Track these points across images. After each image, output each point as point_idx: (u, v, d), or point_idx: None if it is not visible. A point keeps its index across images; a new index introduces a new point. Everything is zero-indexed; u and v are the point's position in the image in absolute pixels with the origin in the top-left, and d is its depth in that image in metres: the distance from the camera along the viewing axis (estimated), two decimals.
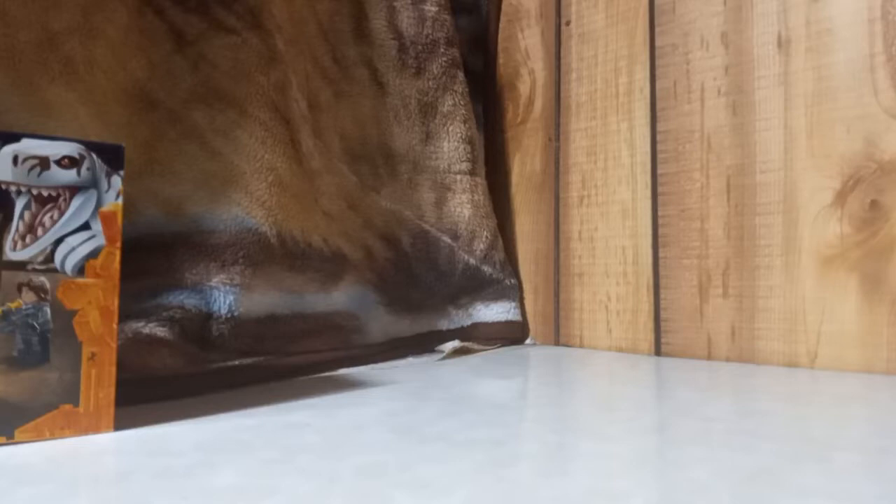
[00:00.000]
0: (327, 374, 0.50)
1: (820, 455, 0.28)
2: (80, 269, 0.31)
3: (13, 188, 0.30)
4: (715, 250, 0.57)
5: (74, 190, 0.31)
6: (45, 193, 0.30)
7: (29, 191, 0.30)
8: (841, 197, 0.51)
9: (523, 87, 0.73)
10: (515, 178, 0.73)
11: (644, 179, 0.62)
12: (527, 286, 0.71)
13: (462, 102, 0.68)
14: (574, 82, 0.68)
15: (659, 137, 0.61)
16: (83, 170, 0.31)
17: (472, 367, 0.53)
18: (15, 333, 0.29)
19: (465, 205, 0.67)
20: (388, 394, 0.41)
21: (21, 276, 0.30)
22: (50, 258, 0.30)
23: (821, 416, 0.35)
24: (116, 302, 0.32)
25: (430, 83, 0.67)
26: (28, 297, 0.30)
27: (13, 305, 0.29)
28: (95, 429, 0.31)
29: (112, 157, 0.32)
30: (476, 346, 0.63)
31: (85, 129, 0.42)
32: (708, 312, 0.57)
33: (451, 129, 0.67)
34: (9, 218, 0.30)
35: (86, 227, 0.31)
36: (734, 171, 0.56)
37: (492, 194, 0.71)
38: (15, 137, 0.30)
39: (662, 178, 0.61)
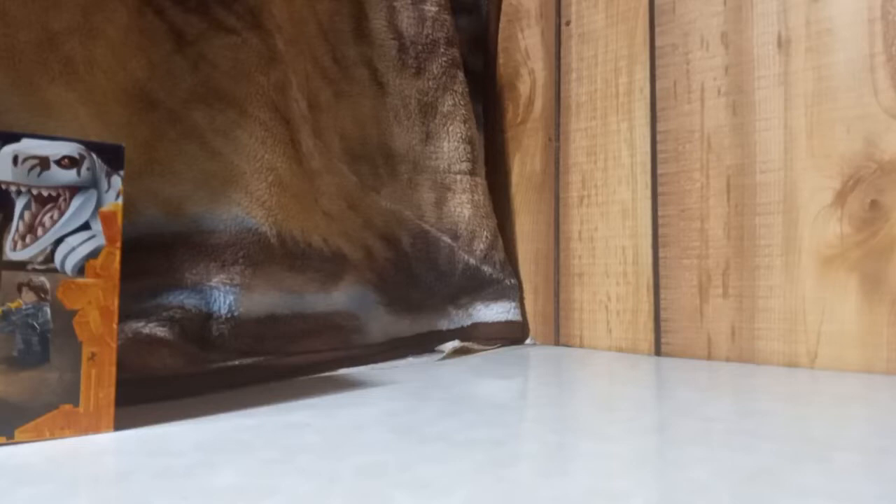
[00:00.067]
0: (327, 374, 0.50)
1: (820, 455, 0.28)
2: (80, 269, 0.31)
3: (13, 188, 0.30)
4: (715, 250, 0.57)
5: (74, 190, 0.31)
6: (45, 193, 0.30)
7: (29, 191, 0.30)
8: (841, 197, 0.51)
9: (523, 87, 0.73)
10: (515, 178, 0.73)
11: (644, 179, 0.62)
12: (527, 286, 0.71)
13: (462, 102, 0.68)
14: (574, 82, 0.68)
15: (659, 137, 0.61)
16: (83, 170, 0.31)
17: (472, 367, 0.53)
18: (15, 333, 0.29)
19: (465, 205, 0.67)
20: (388, 394, 0.41)
21: (21, 276, 0.30)
22: (50, 258, 0.30)
23: (821, 416, 0.35)
24: (116, 302, 0.32)
25: (430, 83, 0.67)
26: (28, 297, 0.30)
27: (13, 305, 0.29)
28: (95, 429, 0.31)
29: (112, 157, 0.32)
30: (476, 346, 0.63)
31: (85, 129, 0.42)
32: (708, 312, 0.57)
33: (451, 129, 0.67)
34: (9, 218, 0.30)
35: (86, 227, 0.31)
36: (734, 171, 0.56)
37: (492, 194, 0.71)
38: (15, 137, 0.30)
39: (662, 178, 0.61)
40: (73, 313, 0.31)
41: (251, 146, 0.49)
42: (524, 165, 0.72)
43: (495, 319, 0.67)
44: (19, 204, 0.30)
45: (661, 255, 0.60)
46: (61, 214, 0.31)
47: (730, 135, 0.57)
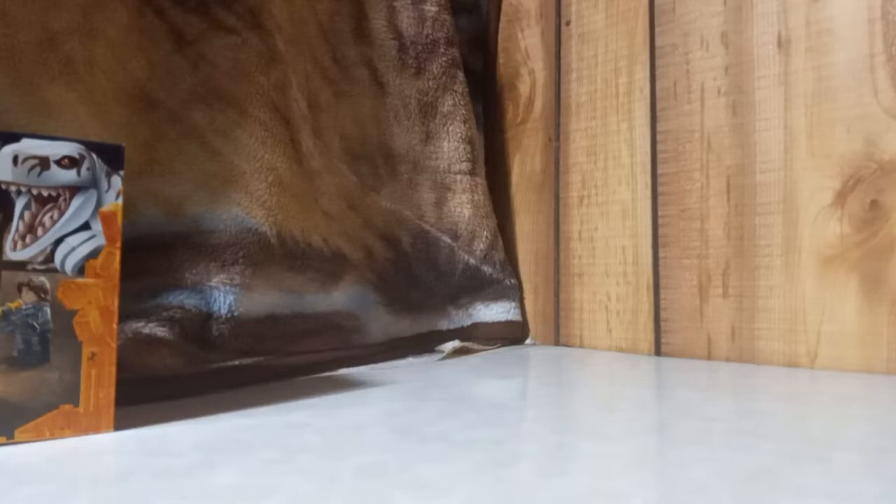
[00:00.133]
0: (327, 374, 0.50)
1: (820, 455, 0.28)
2: (80, 269, 0.31)
3: (13, 188, 0.30)
4: (715, 250, 0.57)
5: (74, 190, 0.31)
6: (45, 193, 0.30)
7: (29, 191, 0.30)
8: (841, 197, 0.51)
9: (523, 87, 0.73)
10: (515, 178, 0.73)
11: (644, 179, 0.62)
12: (527, 286, 0.71)
13: (462, 102, 0.68)
14: (574, 82, 0.68)
15: (659, 137, 0.61)
16: (83, 170, 0.31)
17: (472, 367, 0.53)
18: (15, 333, 0.29)
19: (465, 205, 0.67)
20: (388, 394, 0.41)
21: (21, 276, 0.30)
22: (50, 258, 0.30)
23: (821, 416, 0.35)
24: (116, 302, 0.32)
25: (430, 83, 0.67)
26: (28, 297, 0.30)
27: (13, 305, 0.29)
28: (95, 429, 0.31)
29: (112, 157, 0.32)
30: (476, 346, 0.63)
31: (85, 129, 0.42)
32: (708, 312, 0.57)
33: (451, 129, 0.67)
34: (9, 218, 0.30)
35: (86, 227, 0.31)
36: (734, 171, 0.56)
37: (492, 194, 0.71)
38: (15, 137, 0.30)
39: (662, 178, 0.61)
40: (73, 313, 0.31)
41: (251, 146, 0.49)
42: (524, 165, 0.72)
43: (495, 319, 0.67)
44: (19, 204, 0.30)
45: (661, 255, 0.60)
46: (61, 214, 0.31)
47: (730, 135, 0.57)
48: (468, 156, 0.68)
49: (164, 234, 0.45)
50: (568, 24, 0.69)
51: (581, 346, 0.66)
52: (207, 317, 0.44)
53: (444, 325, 0.64)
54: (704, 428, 0.32)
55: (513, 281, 0.69)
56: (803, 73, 0.53)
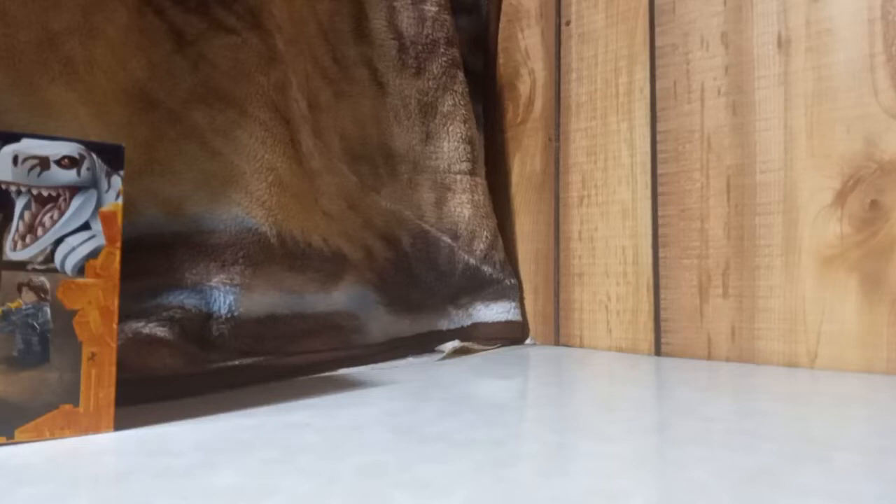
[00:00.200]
0: (327, 374, 0.50)
1: (820, 455, 0.28)
2: (80, 269, 0.31)
3: (13, 188, 0.30)
4: (715, 250, 0.57)
5: (74, 190, 0.31)
6: (45, 193, 0.30)
7: (29, 191, 0.30)
8: (841, 197, 0.51)
9: (523, 87, 0.73)
10: (515, 178, 0.73)
11: (644, 179, 0.62)
12: (527, 286, 0.71)
13: (462, 102, 0.68)
14: (574, 82, 0.68)
15: (659, 137, 0.61)
16: (83, 170, 0.31)
17: (472, 367, 0.53)
18: (15, 333, 0.29)
19: (465, 205, 0.67)
20: (388, 394, 0.41)
21: (21, 276, 0.30)
22: (50, 258, 0.30)
23: (821, 416, 0.35)
24: (116, 302, 0.32)
25: (430, 83, 0.67)
26: (28, 297, 0.30)
27: (13, 305, 0.29)
28: (95, 429, 0.31)
29: (112, 157, 0.32)
30: (476, 346, 0.63)
31: (85, 129, 0.42)
32: (708, 312, 0.57)
33: (451, 129, 0.67)
34: (9, 218, 0.30)
35: (86, 227, 0.31)
36: (734, 171, 0.56)
37: (492, 194, 0.71)
38: (15, 137, 0.30)
39: (662, 178, 0.61)
40: (73, 313, 0.31)
41: (251, 146, 0.49)
42: (524, 165, 0.72)
43: (495, 319, 0.67)
44: (19, 204, 0.30)
45: (661, 255, 0.60)
46: (61, 214, 0.31)
47: (730, 135, 0.57)
48: (468, 156, 0.68)
49: (164, 234, 0.45)
50: (568, 24, 0.69)
51: (581, 346, 0.66)
52: (207, 317, 0.44)
53: (444, 325, 0.64)
54: (704, 428, 0.32)
55: (513, 281, 0.69)
56: (803, 73, 0.53)
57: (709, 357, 0.57)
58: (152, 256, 0.45)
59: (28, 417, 0.30)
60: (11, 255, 0.30)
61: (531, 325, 0.70)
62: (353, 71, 0.63)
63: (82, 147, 0.31)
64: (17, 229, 0.30)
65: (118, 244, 0.32)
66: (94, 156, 0.32)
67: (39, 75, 0.41)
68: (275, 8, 0.53)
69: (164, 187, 0.46)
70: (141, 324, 0.40)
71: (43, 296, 0.30)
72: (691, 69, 0.59)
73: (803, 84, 0.53)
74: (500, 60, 0.76)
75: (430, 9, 0.68)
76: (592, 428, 0.32)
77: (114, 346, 0.31)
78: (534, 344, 0.69)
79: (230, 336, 0.45)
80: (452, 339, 0.63)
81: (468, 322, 0.66)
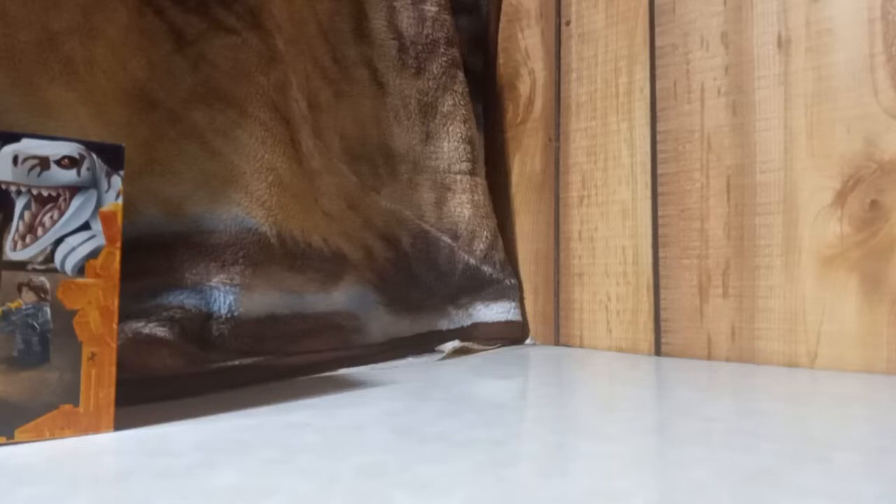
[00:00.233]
0: (327, 374, 0.50)
1: (820, 455, 0.28)
2: (80, 269, 0.31)
3: (13, 188, 0.30)
4: (715, 250, 0.57)
5: (74, 190, 0.31)
6: (45, 193, 0.30)
7: (29, 191, 0.30)
8: (841, 197, 0.51)
9: (523, 87, 0.73)
10: (515, 178, 0.73)
11: (644, 179, 0.62)
12: (527, 286, 0.71)
13: (462, 102, 0.68)
14: (574, 82, 0.68)
15: (659, 137, 0.61)
16: (83, 170, 0.31)
17: (472, 367, 0.53)
18: (15, 333, 0.29)
19: (465, 205, 0.67)
20: (388, 394, 0.41)
21: (21, 276, 0.30)
22: (50, 258, 0.30)
23: (821, 416, 0.35)
24: (116, 302, 0.32)
25: (430, 83, 0.67)
26: (28, 297, 0.30)
27: (13, 305, 0.29)
28: (95, 429, 0.31)
29: (112, 157, 0.32)
30: (476, 346, 0.63)
31: (85, 129, 0.42)
32: (708, 312, 0.57)
33: (451, 129, 0.67)
34: (9, 218, 0.30)
35: (86, 227, 0.31)
36: (734, 171, 0.56)
37: (492, 194, 0.71)
38: (15, 137, 0.30)
39: (662, 178, 0.61)
40: (73, 313, 0.31)
41: (251, 146, 0.49)
42: (524, 165, 0.72)
43: (495, 319, 0.67)
44: (19, 204, 0.30)
45: (661, 255, 0.60)
46: (61, 214, 0.31)
47: (730, 135, 0.57)
48: (468, 156, 0.68)
49: (164, 234, 0.45)
50: (568, 24, 0.69)
51: (581, 346, 0.66)
52: (207, 317, 0.44)
53: (444, 325, 0.64)
54: (704, 428, 0.32)
55: (513, 281, 0.69)
56: (803, 73, 0.53)
57: (709, 357, 0.57)
58: (152, 256, 0.45)
59: (28, 417, 0.30)
60: (11, 255, 0.30)
61: (531, 325, 0.70)
62: (353, 71, 0.63)
63: (82, 147, 0.31)
64: (17, 229, 0.30)
65: (118, 244, 0.32)
66: (94, 156, 0.32)
67: (39, 75, 0.41)
68: (275, 8, 0.53)
69: (164, 187, 0.46)
70: (141, 324, 0.40)
71: (43, 296, 0.30)
72: (691, 69, 0.59)
73: (803, 84, 0.53)
74: (500, 60, 0.76)
75: (430, 9, 0.68)
76: (592, 428, 0.32)
77: (114, 346, 0.31)
78: (534, 344, 0.69)
79: (230, 336, 0.45)
80: (452, 339, 0.63)
81: (468, 322, 0.66)
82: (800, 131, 0.53)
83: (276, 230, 0.48)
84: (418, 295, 0.63)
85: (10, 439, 0.29)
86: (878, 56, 0.50)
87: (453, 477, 0.25)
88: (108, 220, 0.32)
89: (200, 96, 0.48)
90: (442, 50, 0.68)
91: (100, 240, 0.31)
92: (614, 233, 0.64)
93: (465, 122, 0.68)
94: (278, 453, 0.28)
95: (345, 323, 0.55)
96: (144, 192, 0.46)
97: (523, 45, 0.73)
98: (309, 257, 0.52)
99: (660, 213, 0.61)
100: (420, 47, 0.67)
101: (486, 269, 0.66)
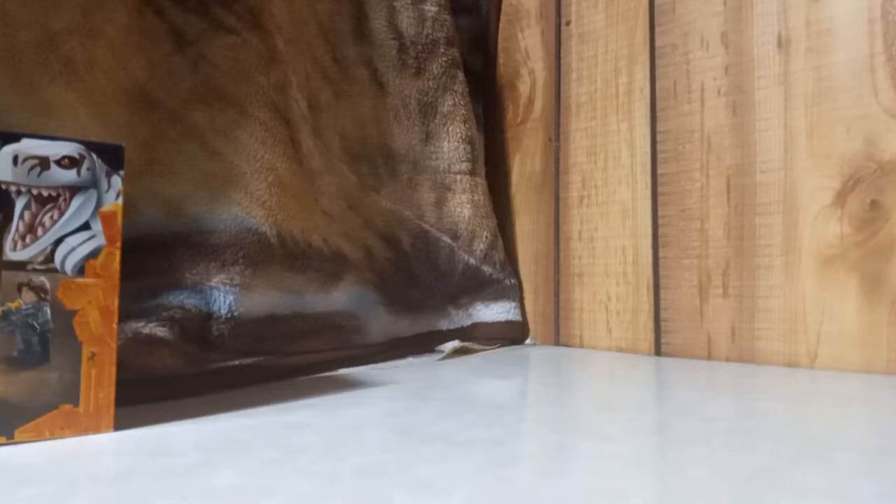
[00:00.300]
0: (327, 374, 0.50)
1: (820, 455, 0.28)
2: (80, 269, 0.31)
3: (13, 188, 0.30)
4: (715, 250, 0.57)
5: (74, 190, 0.31)
6: (45, 193, 0.30)
7: (29, 191, 0.30)
8: (841, 197, 0.51)
9: (523, 87, 0.73)
10: (515, 178, 0.73)
11: (644, 179, 0.62)
12: (527, 286, 0.71)
13: (462, 102, 0.68)
14: (574, 82, 0.68)
15: (659, 137, 0.61)
16: (83, 170, 0.31)
17: (472, 367, 0.53)
18: (15, 333, 0.29)
19: (465, 205, 0.67)
20: (388, 394, 0.41)
21: (21, 276, 0.30)
22: (50, 258, 0.30)
23: (821, 416, 0.35)
24: (116, 302, 0.32)
25: (430, 83, 0.67)
26: (28, 297, 0.30)
27: (13, 305, 0.29)
28: (95, 429, 0.31)
29: (112, 157, 0.32)
30: (476, 346, 0.63)
31: (85, 129, 0.42)
32: (708, 312, 0.57)
33: (451, 129, 0.67)
34: (9, 218, 0.30)
35: (86, 227, 0.31)
36: (734, 171, 0.56)
37: (492, 194, 0.71)
38: (15, 137, 0.30)
39: (662, 178, 0.61)
40: (73, 313, 0.31)
41: (251, 146, 0.49)
42: (524, 165, 0.72)
43: (495, 319, 0.67)
44: (19, 204, 0.30)
45: (661, 255, 0.60)
46: (61, 214, 0.31)
47: (730, 135, 0.57)
48: (468, 156, 0.68)
49: (164, 234, 0.45)
50: (568, 24, 0.69)
51: (581, 346, 0.66)
52: (207, 317, 0.44)
53: (444, 325, 0.64)
54: (704, 428, 0.32)
55: (513, 281, 0.69)
56: (803, 73, 0.53)
57: (709, 357, 0.57)
58: (152, 256, 0.45)
59: (28, 417, 0.30)
60: (11, 255, 0.30)
61: (531, 325, 0.70)
62: (353, 71, 0.63)
63: (82, 147, 0.31)
64: (17, 229, 0.30)
65: (118, 244, 0.32)
66: (94, 156, 0.32)
67: (39, 75, 0.41)
68: (275, 8, 0.53)
69: (164, 187, 0.46)
70: (141, 324, 0.40)
71: (43, 296, 0.30)
72: (691, 69, 0.59)
73: (803, 84, 0.53)
74: (500, 60, 0.76)
75: (430, 9, 0.68)
76: (592, 428, 0.32)
77: (114, 346, 0.31)
78: (534, 344, 0.69)
79: (230, 336, 0.45)
80: (452, 339, 0.63)
81: (468, 322, 0.66)
82: (800, 131, 0.53)
83: (276, 230, 0.48)
84: (418, 295, 0.63)
85: (10, 439, 0.29)
86: (878, 56, 0.50)
87: (453, 477, 0.25)
88: (108, 220, 0.32)
89: (200, 96, 0.48)
90: (442, 50, 0.68)
91: (100, 240, 0.31)
92: (614, 233, 0.64)
93: (465, 122, 0.68)
94: (278, 453, 0.28)
95: (345, 323, 0.55)
96: (144, 192, 0.46)
97: (523, 45, 0.73)
98: (309, 257, 0.52)
99: (660, 213, 0.61)
100: (420, 47, 0.67)
101: (486, 269, 0.67)
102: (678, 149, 0.60)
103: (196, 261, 0.45)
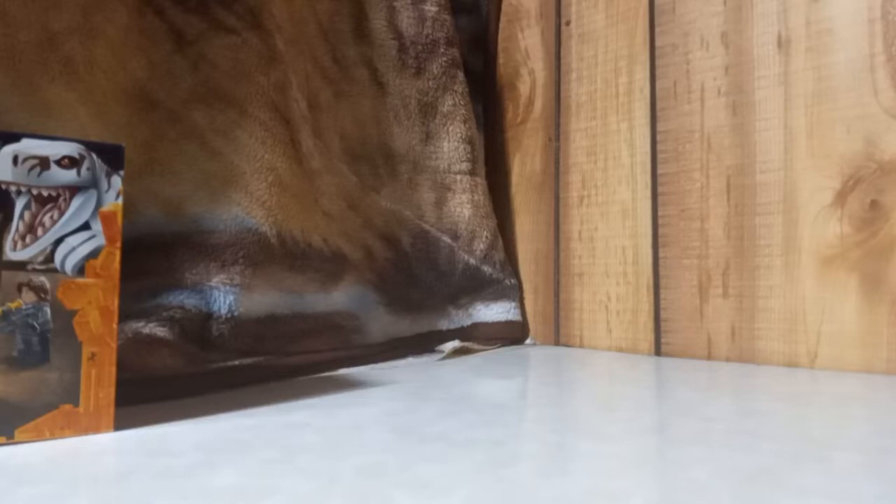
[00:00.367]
0: (327, 374, 0.50)
1: (820, 455, 0.28)
2: (80, 269, 0.31)
3: (13, 188, 0.30)
4: (715, 250, 0.57)
5: (74, 190, 0.31)
6: (45, 193, 0.30)
7: (29, 191, 0.30)
8: (841, 197, 0.51)
9: (523, 87, 0.73)
10: (515, 178, 0.73)
11: (644, 179, 0.62)
12: (527, 286, 0.71)
13: (462, 102, 0.68)
14: (574, 82, 0.68)
15: (659, 137, 0.61)
16: (83, 170, 0.31)
17: (472, 367, 0.53)
18: (15, 333, 0.29)
19: (465, 205, 0.67)
20: (388, 394, 0.41)
21: (21, 276, 0.30)
22: (50, 258, 0.30)
23: (821, 416, 0.35)
24: (116, 302, 0.32)
25: (430, 83, 0.67)
26: (28, 297, 0.30)
27: (13, 305, 0.29)
28: (95, 429, 0.31)
29: (112, 157, 0.32)
30: (476, 346, 0.63)
31: (85, 129, 0.42)
32: (708, 312, 0.57)
33: (451, 129, 0.67)
34: (9, 218, 0.30)
35: (86, 227, 0.31)
36: (734, 171, 0.56)
37: (492, 194, 0.71)
38: (15, 137, 0.30)
39: (662, 178, 0.61)
40: (73, 313, 0.31)
41: (251, 146, 0.49)
42: (524, 165, 0.72)
43: (495, 319, 0.67)
44: (19, 204, 0.30)
45: (661, 255, 0.60)
46: (61, 214, 0.31)
47: (730, 135, 0.57)
48: (468, 156, 0.68)
49: (164, 234, 0.45)
50: (568, 24, 0.69)
51: (581, 346, 0.66)
52: (207, 317, 0.44)
53: (444, 325, 0.64)
54: (704, 428, 0.32)
55: (513, 281, 0.69)
56: (803, 73, 0.53)
57: (709, 357, 0.57)
58: (152, 256, 0.45)
59: (28, 417, 0.30)
60: (11, 255, 0.30)
61: (531, 325, 0.70)
62: (353, 71, 0.63)
63: (82, 147, 0.31)
64: (17, 229, 0.30)
65: (118, 244, 0.32)
66: (94, 156, 0.32)
67: (39, 75, 0.41)
68: (275, 8, 0.53)
69: (164, 187, 0.46)
70: (141, 324, 0.40)
71: (43, 296, 0.30)
72: (691, 69, 0.59)
73: (803, 84, 0.53)
74: (500, 60, 0.76)
75: (430, 9, 0.68)
76: (592, 428, 0.32)
77: (114, 346, 0.31)
78: (534, 344, 0.69)
79: (230, 336, 0.45)
80: (452, 339, 0.63)
81: (468, 322, 0.66)
82: (800, 131, 0.53)
83: (276, 230, 0.48)
84: (418, 295, 0.63)
85: (10, 439, 0.29)
86: (878, 56, 0.50)
87: (453, 477, 0.25)
88: (108, 220, 0.32)
89: (200, 96, 0.48)
90: (442, 50, 0.68)
91: (100, 240, 0.31)
92: (614, 233, 0.64)
93: (465, 122, 0.68)
94: (278, 453, 0.28)
95: (345, 323, 0.55)
96: (144, 192, 0.46)
97: (523, 45, 0.73)
98: (309, 257, 0.52)
99: (660, 213, 0.61)
100: (420, 47, 0.67)
101: (486, 269, 0.67)
102: (678, 149, 0.60)
103: (196, 261, 0.45)
